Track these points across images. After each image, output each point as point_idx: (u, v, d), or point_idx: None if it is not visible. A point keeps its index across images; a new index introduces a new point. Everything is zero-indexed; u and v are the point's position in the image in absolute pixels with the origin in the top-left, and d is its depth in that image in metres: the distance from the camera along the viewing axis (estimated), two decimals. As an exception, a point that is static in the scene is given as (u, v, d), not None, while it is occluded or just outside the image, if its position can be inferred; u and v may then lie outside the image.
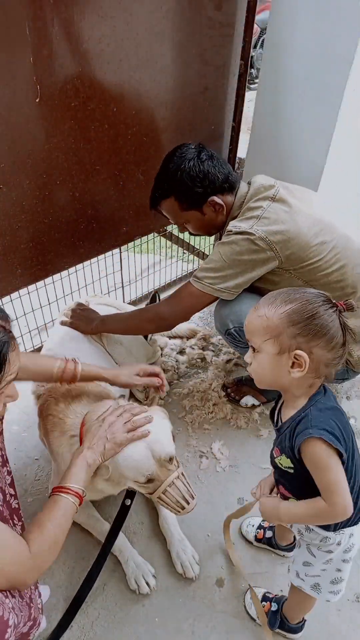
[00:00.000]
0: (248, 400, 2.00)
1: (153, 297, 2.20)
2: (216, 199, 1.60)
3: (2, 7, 1.25)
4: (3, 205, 1.54)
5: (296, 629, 1.34)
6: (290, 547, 1.50)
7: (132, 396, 2.06)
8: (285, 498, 1.13)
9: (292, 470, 1.06)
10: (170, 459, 1.27)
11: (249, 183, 1.64)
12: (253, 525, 1.56)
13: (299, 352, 0.98)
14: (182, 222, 1.72)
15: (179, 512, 1.26)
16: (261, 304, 1.05)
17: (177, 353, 2.26)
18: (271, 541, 1.52)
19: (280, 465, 1.08)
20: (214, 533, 1.59)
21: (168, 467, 1.26)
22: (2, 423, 1.26)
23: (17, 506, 1.23)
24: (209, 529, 1.60)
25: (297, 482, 1.07)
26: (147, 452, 1.23)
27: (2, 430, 1.25)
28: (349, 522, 1.06)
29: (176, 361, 2.21)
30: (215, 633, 1.37)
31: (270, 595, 1.39)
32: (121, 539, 1.51)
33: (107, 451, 1.22)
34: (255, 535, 1.54)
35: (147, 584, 1.44)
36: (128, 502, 1.49)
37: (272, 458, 1.13)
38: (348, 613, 1.42)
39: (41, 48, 1.37)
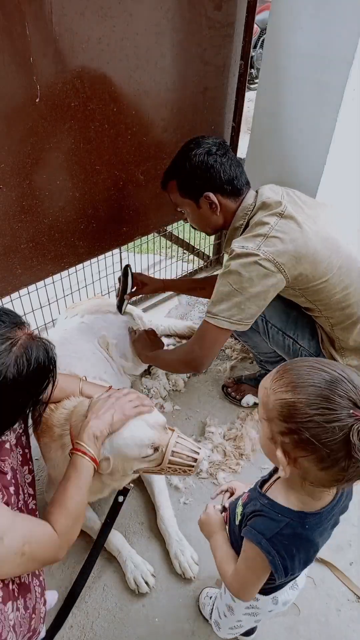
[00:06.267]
0: (249, 399, 2.00)
1: (125, 270, 1.99)
2: (211, 195, 1.55)
3: (2, 6, 1.25)
4: (3, 205, 1.54)
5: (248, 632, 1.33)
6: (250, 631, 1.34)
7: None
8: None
9: (237, 523, 1.03)
10: (165, 428, 1.32)
11: (257, 192, 1.60)
12: (210, 597, 1.37)
13: (279, 454, 0.81)
14: (179, 207, 1.69)
15: (192, 466, 1.29)
16: (273, 371, 0.87)
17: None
18: None
19: (236, 514, 1.04)
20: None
21: (166, 432, 1.31)
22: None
23: (34, 507, 1.21)
24: (209, 529, 1.60)
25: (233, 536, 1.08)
26: (143, 424, 1.26)
27: (27, 428, 1.26)
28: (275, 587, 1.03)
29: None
30: (215, 633, 1.37)
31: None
32: (119, 540, 1.51)
33: (116, 422, 1.21)
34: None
35: (147, 583, 1.44)
36: (121, 498, 1.47)
37: (235, 501, 1.09)
38: (348, 613, 1.42)
39: (41, 48, 1.37)
